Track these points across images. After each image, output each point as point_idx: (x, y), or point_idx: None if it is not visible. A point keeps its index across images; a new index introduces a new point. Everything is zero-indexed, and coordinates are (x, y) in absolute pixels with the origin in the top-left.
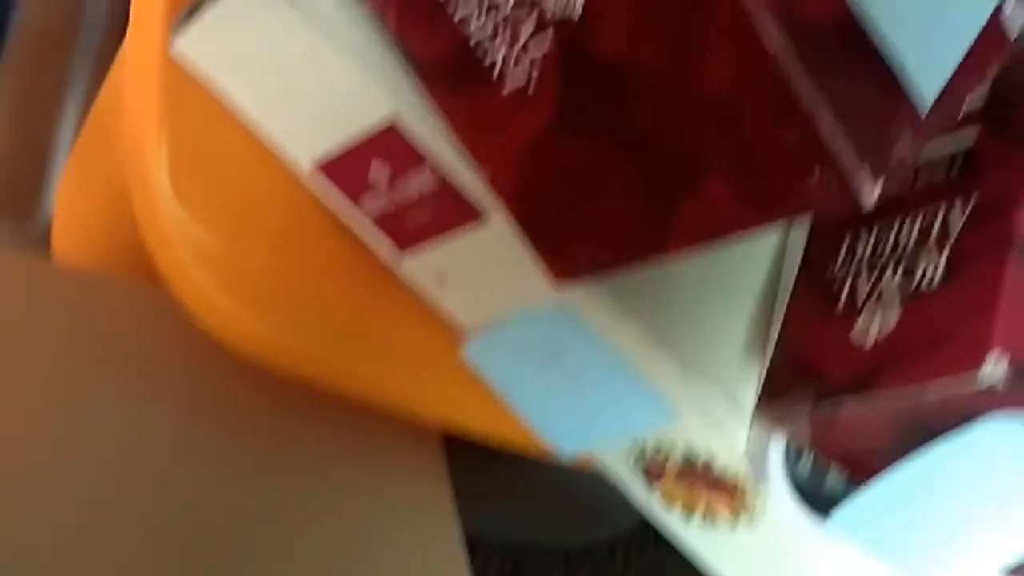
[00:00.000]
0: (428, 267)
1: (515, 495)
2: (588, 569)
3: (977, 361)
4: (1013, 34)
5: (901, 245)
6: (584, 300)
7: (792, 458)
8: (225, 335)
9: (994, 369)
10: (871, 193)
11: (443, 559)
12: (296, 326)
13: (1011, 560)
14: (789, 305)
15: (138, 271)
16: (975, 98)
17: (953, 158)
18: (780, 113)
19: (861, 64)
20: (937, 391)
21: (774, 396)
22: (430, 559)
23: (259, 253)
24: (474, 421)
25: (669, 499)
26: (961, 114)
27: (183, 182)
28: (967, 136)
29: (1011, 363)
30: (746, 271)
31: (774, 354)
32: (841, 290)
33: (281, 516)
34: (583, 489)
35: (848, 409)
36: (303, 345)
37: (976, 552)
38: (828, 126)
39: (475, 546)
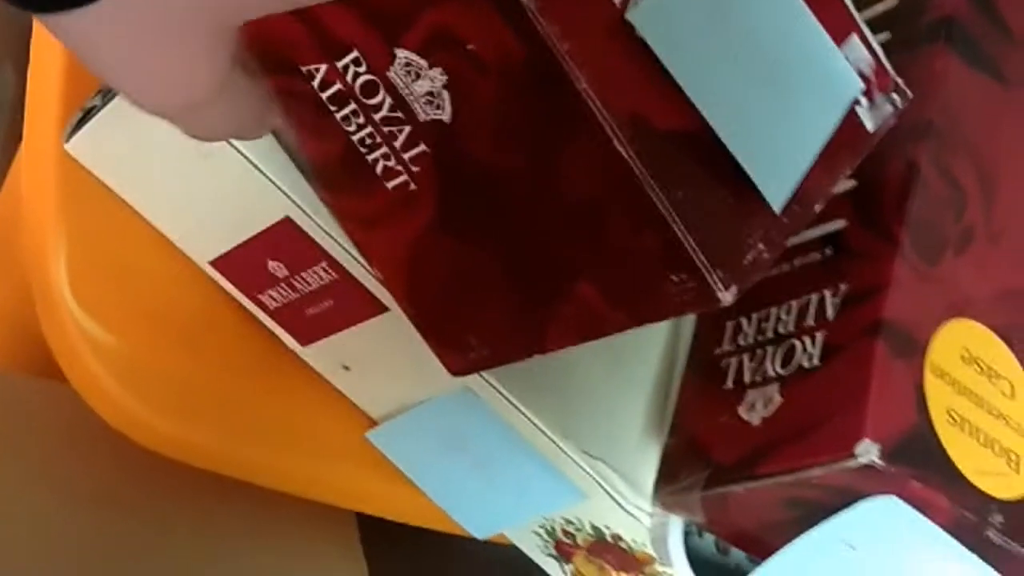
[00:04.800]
0: (330, 357)
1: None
2: None
3: (851, 446)
4: (871, 131)
5: (781, 330)
6: (486, 389)
7: (696, 533)
8: (128, 432)
9: (867, 453)
10: (726, 297)
11: None
12: (199, 425)
13: None
14: (681, 388)
15: (43, 369)
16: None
17: (824, 240)
18: (637, 220)
19: (712, 171)
20: (816, 474)
21: (669, 481)
22: None
23: (160, 352)
24: (389, 507)
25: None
26: (821, 208)
27: (82, 282)
28: (838, 221)
29: (882, 447)
30: (641, 358)
31: (668, 438)
32: (728, 371)
33: None
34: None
35: (737, 493)
36: (207, 442)
37: None
38: (682, 233)
39: None
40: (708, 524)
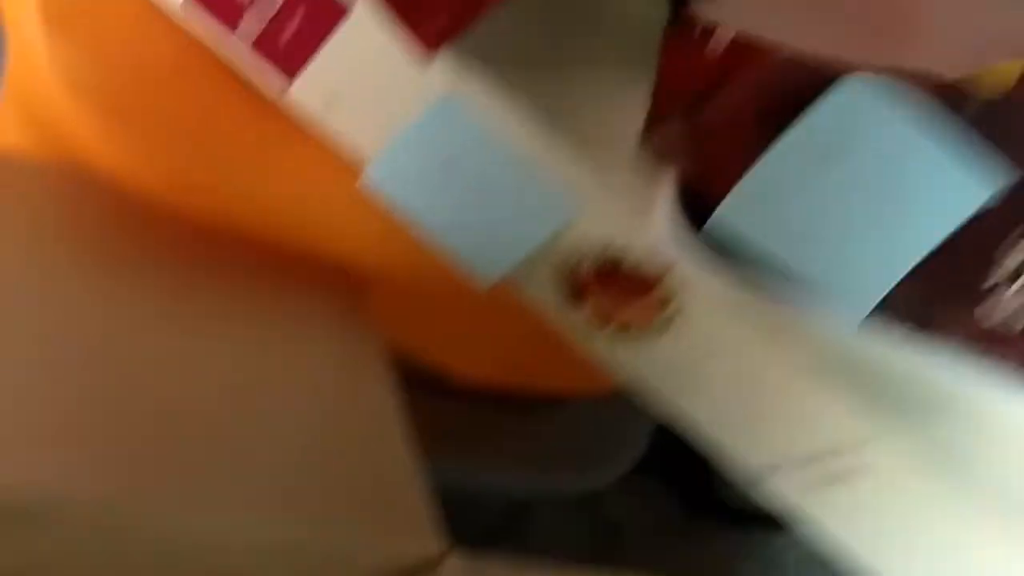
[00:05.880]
0: (315, 89)
1: (522, 442)
2: (598, 506)
3: None
4: None
5: None
6: (467, 88)
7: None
8: (116, 169)
9: None
10: None
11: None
12: (180, 150)
13: (913, 257)
14: (660, 50)
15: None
16: None
17: None
18: None
19: None
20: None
21: (652, 129)
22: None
23: (138, 81)
24: (387, 255)
25: (600, 319)
26: None
27: (55, 10)
28: None
29: None
30: (632, 60)
31: (651, 95)
32: (697, 20)
33: (201, 358)
34: (582, 436)
35: (714, 115)
36: (188, 169)
37: (875, 244)
38: None
39: (479, 498)
40: (694, 167)
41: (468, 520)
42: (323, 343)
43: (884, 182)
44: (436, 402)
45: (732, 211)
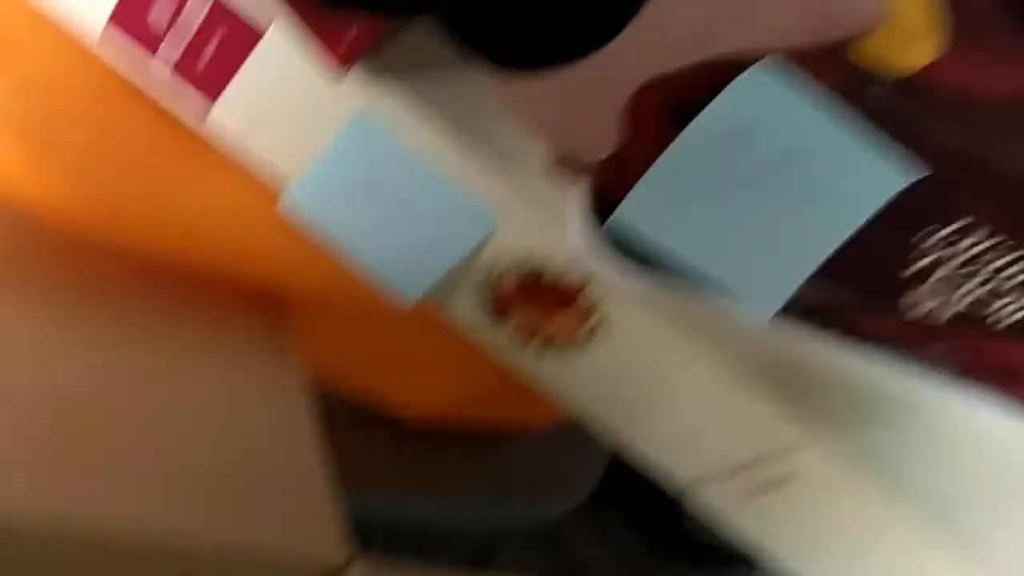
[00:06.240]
0: (234, 112)
1: (475, 474)
2: (560, 544)
3: None
4: None
5: None
6: (382, 103)
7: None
8: (31, 196)
9: None
10: None
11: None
12: (98, 179)
13: (824, 253)
14: None
15: None
16: None
17: None
18: None
19: None
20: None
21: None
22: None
23: (56, 110)
24: (309, 276)
25: (525, 334)
26: None
27: None
28: None
29: None
30: None
31: None
32: None
33: (119, 380)
34: (536, 467)
35: (624, 115)
36: (107, 197)
37: (783, 247)
38: None
39: (442, 539)
40: (605, 171)
41: (433, 560)
42: (242, 362)
43: (791, 172)
44: (388, 439)
45: (631, 212)
